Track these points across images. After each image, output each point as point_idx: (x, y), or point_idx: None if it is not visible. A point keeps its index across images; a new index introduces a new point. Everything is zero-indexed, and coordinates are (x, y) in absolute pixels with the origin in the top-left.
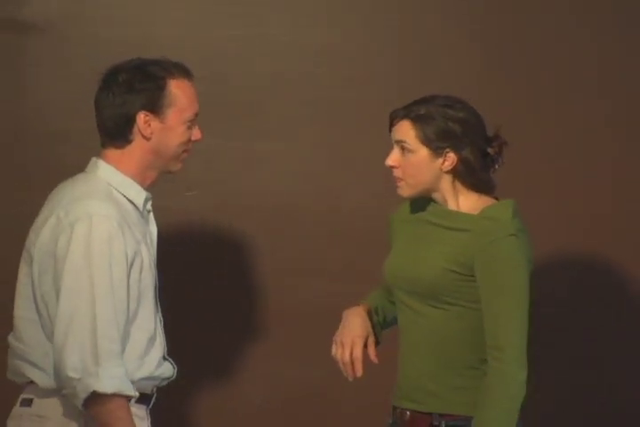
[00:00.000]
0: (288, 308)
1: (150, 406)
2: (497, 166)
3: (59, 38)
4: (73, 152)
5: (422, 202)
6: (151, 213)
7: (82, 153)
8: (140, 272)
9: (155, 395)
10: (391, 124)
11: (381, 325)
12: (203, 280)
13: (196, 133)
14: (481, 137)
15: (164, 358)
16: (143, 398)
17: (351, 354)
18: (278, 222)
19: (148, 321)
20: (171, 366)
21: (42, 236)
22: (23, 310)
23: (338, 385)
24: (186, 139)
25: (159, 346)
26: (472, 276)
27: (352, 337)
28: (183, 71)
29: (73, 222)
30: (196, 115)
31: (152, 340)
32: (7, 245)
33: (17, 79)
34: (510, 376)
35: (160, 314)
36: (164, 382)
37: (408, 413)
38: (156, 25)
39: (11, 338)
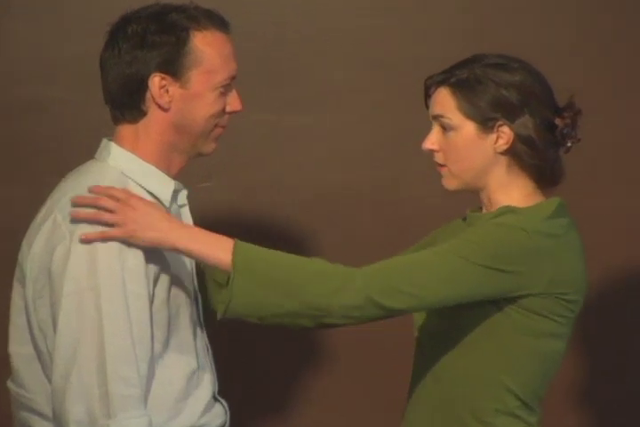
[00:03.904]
0: None
1: None
2: (570, 144)
3: None
4: (48, 123)
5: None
6: (186, 208)
7: (59, 124)
8: (169, 290)
9: None
10: (427, 95)
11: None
12: None
13: (234, 103)
14: (546, 106)
15: (215, 399)
16: None
17: None
18: (314, 215)
19: (187, 351)
20: (222, 410)
21: (35, 246)
22: (18, 344)
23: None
24: (218, 109)
25: (207, 383)
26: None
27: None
28: (216, 21)
29: (73, 229)
30: (233, 78)
31: (195, 376)
32: None
33: None
34: (353, 283)
35: (207, 339)
36: None
37: None
38: None
39: (10, 384)
